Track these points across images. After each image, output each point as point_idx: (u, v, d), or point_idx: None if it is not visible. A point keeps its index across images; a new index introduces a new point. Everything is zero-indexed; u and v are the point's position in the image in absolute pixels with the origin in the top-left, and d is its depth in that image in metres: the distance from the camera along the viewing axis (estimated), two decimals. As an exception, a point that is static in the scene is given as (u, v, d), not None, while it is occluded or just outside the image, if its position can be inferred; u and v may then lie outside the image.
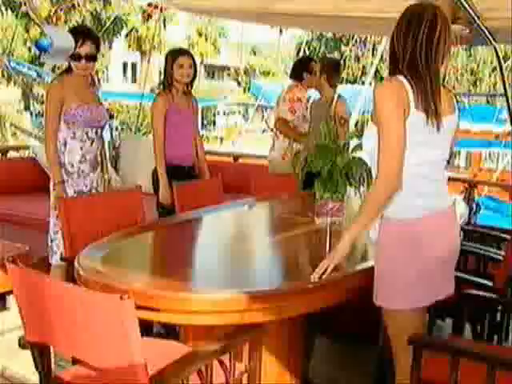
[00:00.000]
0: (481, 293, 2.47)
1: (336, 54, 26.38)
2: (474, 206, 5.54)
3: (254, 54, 34.36)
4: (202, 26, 30.17)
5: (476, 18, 4.45)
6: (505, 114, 12.94)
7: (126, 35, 26.54)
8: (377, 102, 2.04)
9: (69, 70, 3.61)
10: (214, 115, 24.09)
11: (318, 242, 2.88)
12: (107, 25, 16.64)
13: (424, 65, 2.04)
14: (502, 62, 5.28)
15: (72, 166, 3.52)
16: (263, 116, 20.53)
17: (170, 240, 2.71)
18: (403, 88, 2.02)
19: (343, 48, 26.64)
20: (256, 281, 2.18)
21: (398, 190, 2.04)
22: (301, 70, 5.11)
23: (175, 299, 1.82)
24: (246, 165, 6.16)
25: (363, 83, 23.74)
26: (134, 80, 31.70)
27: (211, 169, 4.28)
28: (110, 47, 25.32)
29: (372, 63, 25.89)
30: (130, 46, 27.59)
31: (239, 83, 29.95)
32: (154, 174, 3.96)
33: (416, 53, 2.04)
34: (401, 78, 2.05)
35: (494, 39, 4.88)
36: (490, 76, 25.11)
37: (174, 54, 4.05)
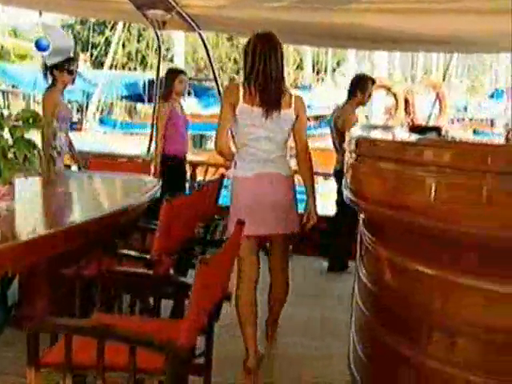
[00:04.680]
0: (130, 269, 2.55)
1: (101, 39, 25.71)
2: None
3: (15, 35, 32.00)
4: None
5: (174, 4, 4.63)
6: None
7: None
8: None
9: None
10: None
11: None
12: None
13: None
14: (209, 47, 5.59)
15: None
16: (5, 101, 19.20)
17: None
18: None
19: (108, 33, 25.99)
20: None
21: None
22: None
23: None
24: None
25: (129, 69, 23.56)
26: None
27: None
28: None
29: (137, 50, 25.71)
30: None
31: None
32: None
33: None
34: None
35: (197, 26, 5.13)
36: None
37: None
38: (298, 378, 3.15)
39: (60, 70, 4.43)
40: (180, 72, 5.06)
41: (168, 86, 4.98)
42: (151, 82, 14.60)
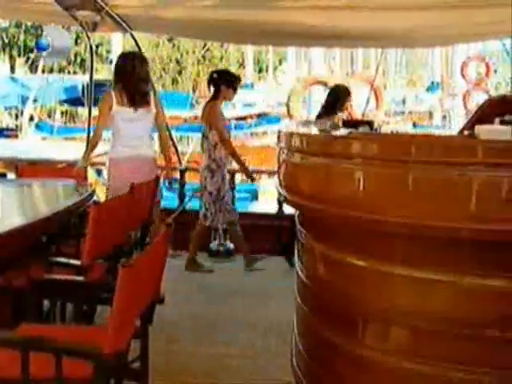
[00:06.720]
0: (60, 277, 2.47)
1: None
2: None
3: None
4: None
5: (103, 5, 4.52)
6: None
7: None
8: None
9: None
10: None
11: None
12: None
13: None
14: (142, 48, 5.50)
15: None
16: None
17: None
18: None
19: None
20: None
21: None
22: None
23: None
24: None
25: (69, 72, 23.04)
26: None
27: None
28: None
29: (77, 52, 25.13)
30: None
31: None
32: None
33: None
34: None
35: (129, 27, 5.04)
36: (193, 65, 26.30)
37: None
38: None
39: (228, 86, 4.58)
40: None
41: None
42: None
